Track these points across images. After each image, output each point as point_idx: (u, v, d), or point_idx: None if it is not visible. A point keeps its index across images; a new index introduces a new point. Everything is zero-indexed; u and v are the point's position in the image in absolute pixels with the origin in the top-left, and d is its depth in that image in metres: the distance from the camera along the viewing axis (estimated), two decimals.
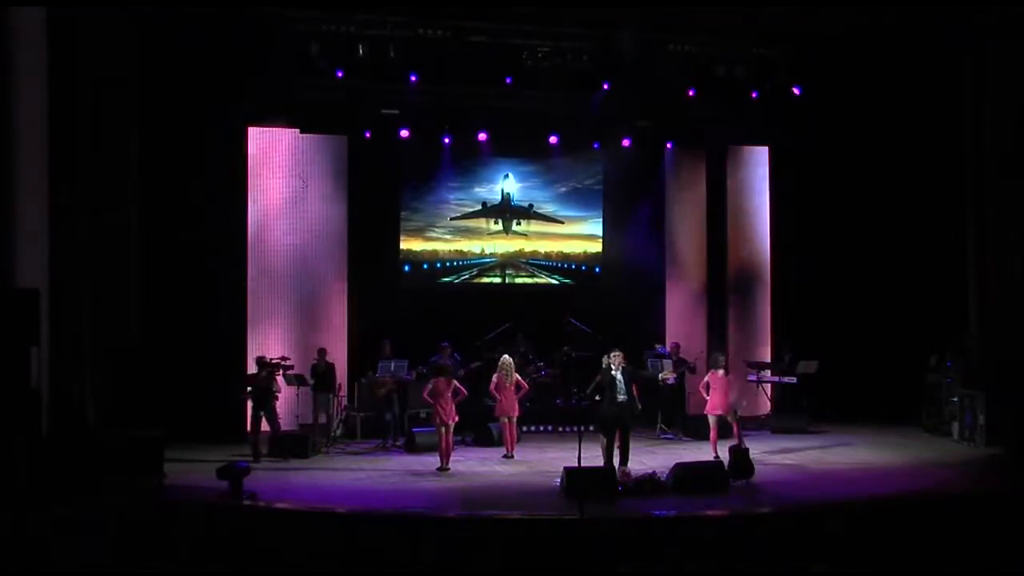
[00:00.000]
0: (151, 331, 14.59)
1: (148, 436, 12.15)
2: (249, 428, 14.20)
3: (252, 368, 14.58)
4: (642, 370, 14.01)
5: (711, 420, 13.89)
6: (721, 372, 13.82)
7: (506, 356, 14.51)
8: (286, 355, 14.81)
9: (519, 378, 14.28)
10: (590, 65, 16.12)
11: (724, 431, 13.86)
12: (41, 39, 11.85)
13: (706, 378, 14.02)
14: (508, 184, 18.28)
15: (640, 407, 13.44)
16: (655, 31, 15.96)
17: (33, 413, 11.11)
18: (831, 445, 15.17)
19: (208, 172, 15.34)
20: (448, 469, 13.18)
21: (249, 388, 14.26)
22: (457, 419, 13.45)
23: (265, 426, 14.15)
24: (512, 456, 14.08)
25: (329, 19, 15.10)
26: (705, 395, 13.93)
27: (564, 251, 18.53)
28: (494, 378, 14.23)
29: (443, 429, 13.31)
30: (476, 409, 14.90)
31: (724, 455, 12.70)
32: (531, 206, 18.36)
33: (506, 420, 14.18)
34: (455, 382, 13.59)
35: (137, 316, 14.48)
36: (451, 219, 18.04)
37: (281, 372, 14.38)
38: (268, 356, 14.56)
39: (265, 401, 14.07)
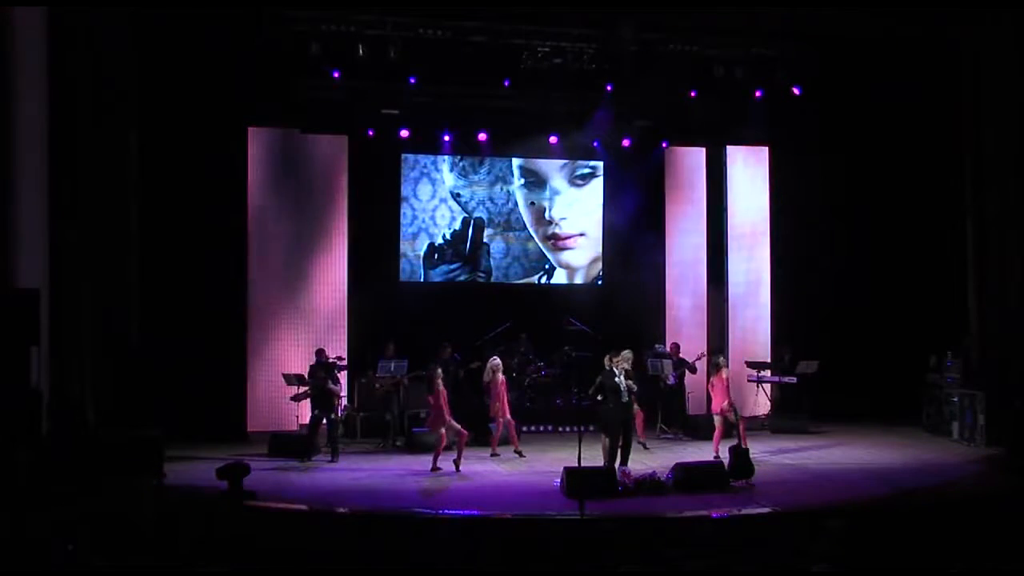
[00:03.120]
0: (151, 331, 14.60)
1: (148, 436, 12.14)
2: (309, 428, 14.11)
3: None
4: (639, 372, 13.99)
5: (716, 420, 13.87)
6: (723, 372, 13.79)
7: (494, 360, 14.54)
8: (336, 354, 15.00)
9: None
10: (590, 65, 16.12)
11: (729, 431, 13.83)
12: (41, 39, 11.86)
13: (712, 379, 13.99)
14: (508, 183, 18.28)
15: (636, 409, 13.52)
16: (655, 31, 15.97)
17: (33, 413, 11.11)
18: (831, 445, 15.17)
19: (208, 172, 15.35)
20: (439, 469, 13.12)
21: (304, 388, 14.31)
22: (448, 420, 13.36)
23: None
24: (498, 455, 14.18)
25: (329, 19, 15.10)
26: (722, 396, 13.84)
27: (564, 251, 18.53)
28: (501, 378, 14.27)
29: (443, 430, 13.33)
30: (476, 409, 14.90)
31: (725, 455, 12.70)
32: (532, 204, 18.37)
33: (502, 420, 14.28)
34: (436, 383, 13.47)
35: (137, 316, 14.49)
36: (450, 224, 18.01)
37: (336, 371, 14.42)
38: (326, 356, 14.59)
39: (325, 401, 14.03)
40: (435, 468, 13.07)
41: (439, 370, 13.65)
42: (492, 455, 14.18)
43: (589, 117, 16.94)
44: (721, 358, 14.10)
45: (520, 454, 14.18)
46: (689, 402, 16.38)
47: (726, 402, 13.65)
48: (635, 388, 12.99)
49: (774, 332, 17.91)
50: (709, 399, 14.20)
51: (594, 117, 16.88)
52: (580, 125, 17.24)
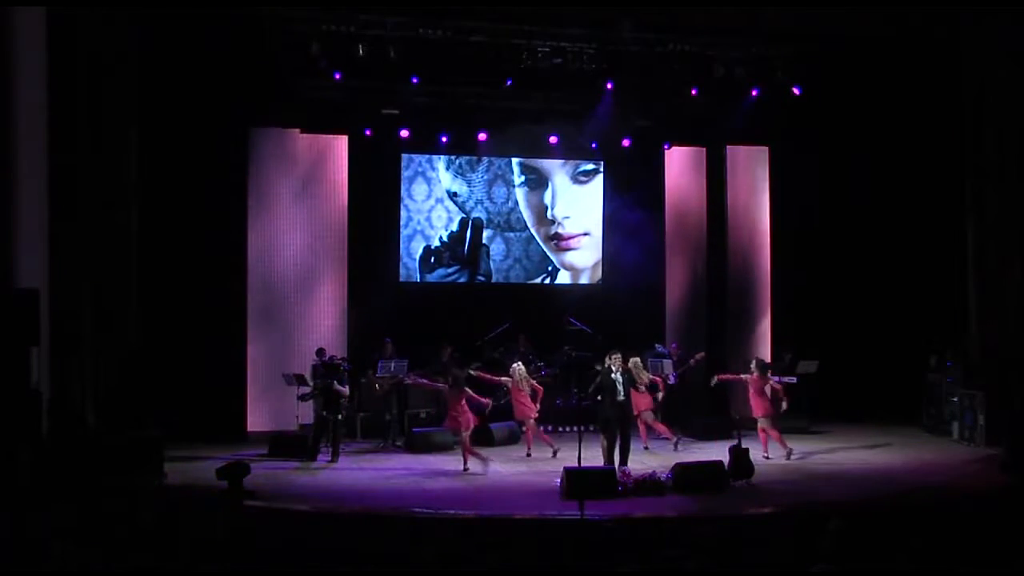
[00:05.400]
0: (151, 331, 14.60)
1: (148, 436, 12.15)
2: (314, 429, 14.16)
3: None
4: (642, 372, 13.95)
5: (762, 423, 13.94)
6: (755, 375, 13.91)
7: (518, 365, 14.54)
8: (342, 355, 15.11)
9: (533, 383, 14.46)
10: (590, 65, 16.12)
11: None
12: (41, 39, 11.86)
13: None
14: (508, 184, 18.20)
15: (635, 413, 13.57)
16: (655, 31, 15.97)
17: (33, 413, 11.10)
18: (831, 445, 15.17)
19: (208, 172, 15.35)
20: (468, 470, 13.16)
21: (310, 388, 14.31)
22: (473, 424, 13.44)
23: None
24: (531, 455, 14.26)
25: (329, 19, 15.09)
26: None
27: (564, 251, 18.47)
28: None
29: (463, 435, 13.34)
30: (475, 410, 14.89)
31: (774, 453, 12.63)
32: (532, 204, 18.28)
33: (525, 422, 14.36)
34: (467, 391, 13.50)
35: (137, 316, 14.49)
36: (447, 225, 17.87)
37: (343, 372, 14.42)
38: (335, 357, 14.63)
39: (333, 402, 14.00)
40: (467, 467, 13.14)
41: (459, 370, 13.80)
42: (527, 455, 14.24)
43: (589, 114, 16.89)
44: (752, 362, 14.24)
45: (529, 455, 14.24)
46: (690, 402, 16.39)
47: (766, 404, 13.73)
48: (647, 380, 13.09)
49: (774, 332, 17.91)
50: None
51: (594, 113, 16.81)
52: (580, 122, 17.22)
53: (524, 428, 14.55)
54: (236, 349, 15.61)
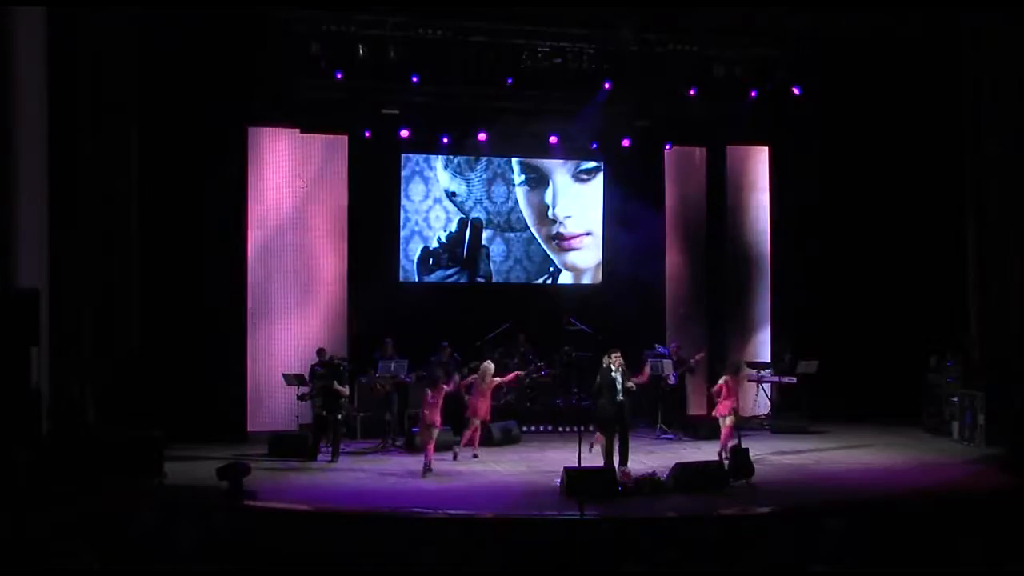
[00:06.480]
0: (151, 331, 14.60)
1: (148, 436, 12.14)
2: (313, 429, 14.13)
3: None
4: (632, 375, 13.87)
5: (724, 421, 13.76)
6: (742, 376, 13.89)
7: (487, 363, 14.49)
8: (341, 355, 15.08)
9: (496, 380, 14.28)
10: (590, 65, 16.12)
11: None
12: (41, 39, 11.87)
13: (728, 380, 13.86)
14: (507, 183, 18.18)
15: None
16: (655, 31, 15.98)
17: (33, 413, 11.12)
18: (831, 445, 15.17)
19: (208, 172, 15.34)
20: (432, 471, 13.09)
21: (310, 388, 14.31)
22: (440, 426, 13.41)
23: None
24: (477, 456, 14.08)
25: (329, 19, 15.10)
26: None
27: (566, 251, 18.44)
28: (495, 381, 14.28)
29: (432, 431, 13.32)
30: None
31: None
32: (533, 203, 18.24)
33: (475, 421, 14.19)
34: (441, 388, 13.48)
35: (137, 316, 14.49)
36: (445, 226, 17.80)
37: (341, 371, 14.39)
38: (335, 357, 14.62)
39: (333, 402, 13.98)
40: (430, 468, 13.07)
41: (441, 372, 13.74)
42: (474, 456, 14.14)
43: (589, 117, 16.87)
44: (742, 362, 14.14)
45: (476, 456, 14.11)
46: (689, 402, 16.37)
47: (736, 404, 13.62)
48: (634, 388, 12.99)
49: (774, 332, 17.91)
50: (714, 400, 14.03)
51: (589, 108, 16.76)
52: (580, 125, 17.19)
53: (471, 426, 14.23)
54: (236, 349, 15.60)
